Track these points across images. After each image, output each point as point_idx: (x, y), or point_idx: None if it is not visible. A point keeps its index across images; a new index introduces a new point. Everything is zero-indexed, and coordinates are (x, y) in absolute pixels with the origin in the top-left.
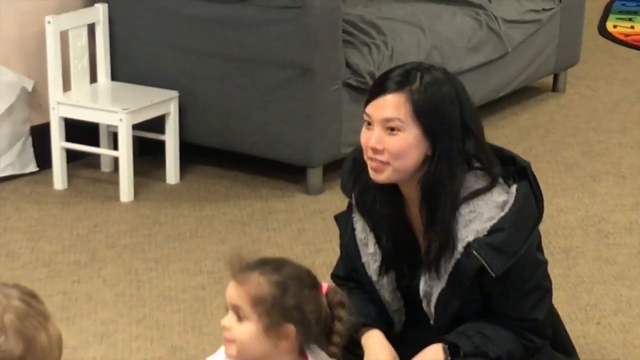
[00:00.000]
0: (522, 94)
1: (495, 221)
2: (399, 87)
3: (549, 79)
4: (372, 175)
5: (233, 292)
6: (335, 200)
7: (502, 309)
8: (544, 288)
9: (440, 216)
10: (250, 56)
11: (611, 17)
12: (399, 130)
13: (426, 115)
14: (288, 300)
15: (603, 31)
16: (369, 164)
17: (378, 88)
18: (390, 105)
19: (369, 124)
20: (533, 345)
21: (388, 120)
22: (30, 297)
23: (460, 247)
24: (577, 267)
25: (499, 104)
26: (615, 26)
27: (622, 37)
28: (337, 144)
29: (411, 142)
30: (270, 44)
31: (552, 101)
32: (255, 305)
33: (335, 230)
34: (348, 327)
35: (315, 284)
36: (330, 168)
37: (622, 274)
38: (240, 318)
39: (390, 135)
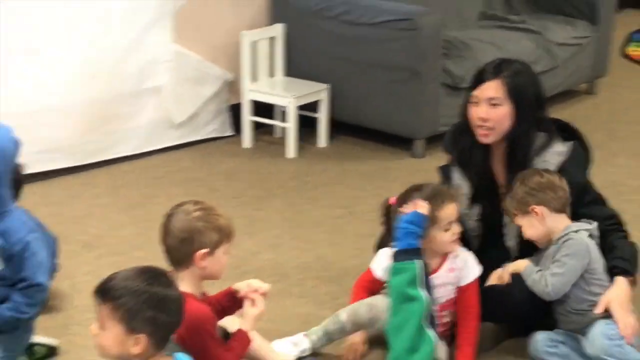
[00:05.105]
0: (565, 96)
1: (561, 160)
2: (496, 75)
3: (586, 85)
4: (481, 139)
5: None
6: (434, 163)
7: (590, 215)
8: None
9: (519, 162)
10: (378, 62)
11: (631, 44)
12: (499, 104)
13: (515, 92)
14: None
15: (623, 53)
16: (478, 131)
17: (480, 77)
18: (492, 88)
19: (476, 102)
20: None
21: (492, 98)
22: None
23: None
24: None
25: (548, 103)
26: (634, 50)
27: (638, 58)
28: (436, 123)
29: (508, 111)
30: (392, 53)
31: (587, 101)
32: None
33: None
34: None
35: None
36: (431, 140)
37: None
38: None
39: (493, 108)
